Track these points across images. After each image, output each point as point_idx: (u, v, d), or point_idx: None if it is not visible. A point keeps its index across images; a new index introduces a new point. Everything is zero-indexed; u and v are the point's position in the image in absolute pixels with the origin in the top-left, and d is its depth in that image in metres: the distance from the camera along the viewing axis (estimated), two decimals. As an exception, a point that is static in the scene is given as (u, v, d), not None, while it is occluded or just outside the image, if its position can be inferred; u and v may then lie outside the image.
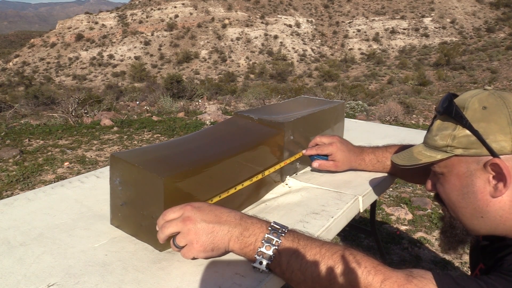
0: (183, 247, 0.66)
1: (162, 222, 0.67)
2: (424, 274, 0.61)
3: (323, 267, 0.62)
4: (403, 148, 1.06)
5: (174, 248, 0.67)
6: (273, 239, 0.64)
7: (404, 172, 1.07)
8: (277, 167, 1.00)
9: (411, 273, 0.61)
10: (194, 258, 0.68)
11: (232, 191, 0.84)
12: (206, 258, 0.68)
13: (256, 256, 0.65)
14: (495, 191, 0.67)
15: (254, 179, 0.91)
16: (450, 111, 0.71)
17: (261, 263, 0.64)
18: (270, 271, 0.65)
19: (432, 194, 0.84)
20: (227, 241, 0.66)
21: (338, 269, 0.61)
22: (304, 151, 1.08)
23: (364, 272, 0.61)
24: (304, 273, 0.62)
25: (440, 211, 3.17)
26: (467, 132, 0.68)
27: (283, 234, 0.65)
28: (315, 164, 1.07)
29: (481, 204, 0.69)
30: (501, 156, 0.66)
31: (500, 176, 0.66)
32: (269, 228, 0.66)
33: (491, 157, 0.67)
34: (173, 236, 0.67)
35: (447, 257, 2.45)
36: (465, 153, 0.69)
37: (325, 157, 1.07)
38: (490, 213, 0.69)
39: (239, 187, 0.86)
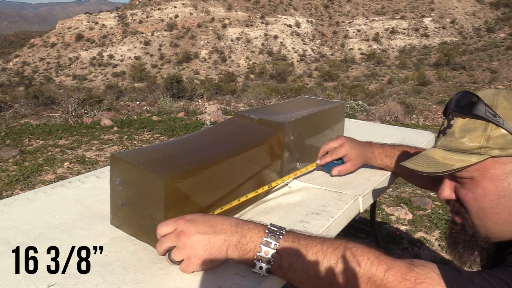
0: (180, 261, 0.65)
1: (158, 236, 0.67)
2: (426, 263, 0.61)
3: (326, 264, 0.61)
4: (411, 152, 1.04)
5: (170, 263, 0.66)
6: (271, 242, 0.63)
7: (410, 174, 1.05)
8: (285, 178, 1.00)
9: (412, 262, 0.61)
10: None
11: (235, 203, 0.84)
12: (207, 269, 0.66)
13: (255, 261, 0.64)
14: None
15: (260, 190, 0.90)
16: (479, 110, 0.67)
17: (261, 268, 0.63)
18: (271, 274, 0.65)
19: (441, 199, 0.78)
20: (225, 250, 0.65)
21: (341, 263, 0.61)
22: (318, 162, 1.06)
23: (367, 263, 0.61)
24: (307, 272, 0.62)
25: (440, 211, 3.18)
26: (503, 131, 0.65)
27: (281, 236, 0.64)
28: (335, 172, 1.05)
29: None
30: None
31: None
32: (267, 231, 0.65)
33: None
34: (168, 251, 0.66)
35: (447, 256, 2.45)
36: (502, 153, 0.65)
37: (340, 160, 1.06)
38: None
39: (243, 198, 0.86)
